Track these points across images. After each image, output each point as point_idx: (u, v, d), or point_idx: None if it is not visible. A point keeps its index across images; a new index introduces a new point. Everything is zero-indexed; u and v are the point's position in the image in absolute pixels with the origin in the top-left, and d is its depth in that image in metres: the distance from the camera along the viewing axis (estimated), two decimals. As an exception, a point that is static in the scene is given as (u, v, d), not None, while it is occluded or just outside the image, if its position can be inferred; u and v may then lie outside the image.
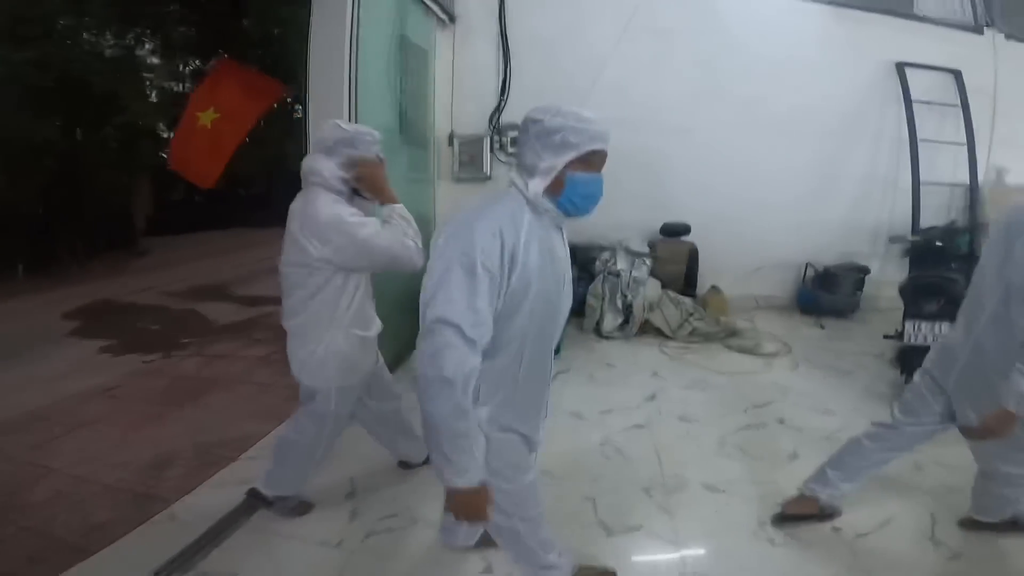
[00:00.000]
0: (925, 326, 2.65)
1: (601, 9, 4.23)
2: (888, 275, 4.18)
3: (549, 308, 1.16)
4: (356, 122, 2.65)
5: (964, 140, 4.26)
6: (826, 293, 4.33)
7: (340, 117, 2.63)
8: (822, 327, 4.17)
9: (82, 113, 8.00)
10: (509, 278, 1.05)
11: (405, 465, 2.24)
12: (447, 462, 1.05)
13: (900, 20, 4.37)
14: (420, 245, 1.64)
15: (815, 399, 2.97)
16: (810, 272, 4.49)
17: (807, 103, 4.30)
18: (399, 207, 1.71)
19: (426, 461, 2.13)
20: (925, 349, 2.71)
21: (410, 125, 3.61)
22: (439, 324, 1.00)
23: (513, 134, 4.20)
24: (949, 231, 3.46)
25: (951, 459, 2.13)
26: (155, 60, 10.11)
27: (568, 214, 1.15)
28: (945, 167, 4.42)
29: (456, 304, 1.00)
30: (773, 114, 4.31)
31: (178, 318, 5.12)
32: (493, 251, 1.02)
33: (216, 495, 2.10)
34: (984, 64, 4.37)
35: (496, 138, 4.29)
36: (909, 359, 2.73)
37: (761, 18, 4.24)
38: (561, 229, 1.21)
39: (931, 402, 1.69)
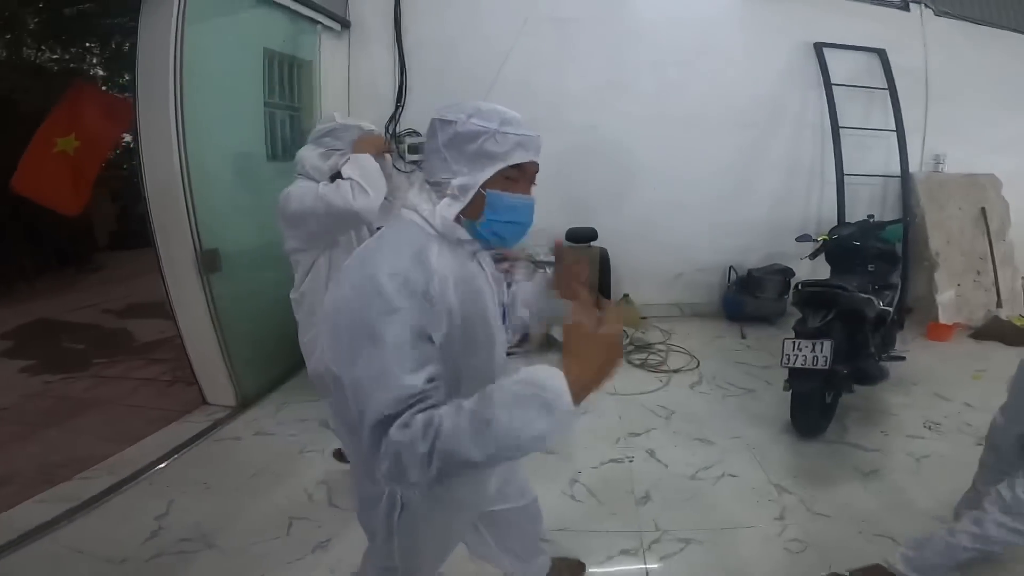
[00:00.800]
0: (805, 347, 2.30)
1: (499, 2, 3.91)
2: (819, 277, 3.81)
3: (480, 354, 0.93)
4: (184, 140, 2.48)
5: (893, 126, 3.92)
6: (750, 298, 3.99)
7: (167, 136, 2.45)
8: (743, 336, 3.82)
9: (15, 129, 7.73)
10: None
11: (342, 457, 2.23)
12: (542, 414, 0.69)
13: (819, -2, 4.03)
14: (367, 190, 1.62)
15: (699, 425, 2.64)
16: (733, 276, 4.15)
17: (721, 92, 3.97)
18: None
19: None
20: (812, 373, 2.41)
21: (286, 140, 3.36)
22: (379, 432, 0.73)
23: (413, 141, 3.87)
24: (865, 228, 3.12)
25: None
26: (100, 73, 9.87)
27: (490, 245, 0.93)
28: (878, 156, 4.09)
29: (388, 384, 0.74)
30: (684, 106, 3.98)
31: (105, 337, 4.89)
32: (406, 304, 0.77)
33: (32, 511, 2.03)
34: (912, 43, 4.02)
35: (394, 147, 3.97)
36: (796, 384, 2.38)
37: (669, 2, 3.92)
38: (480, 256, 0.97)
39: None
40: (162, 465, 2.35)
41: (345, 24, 3.88)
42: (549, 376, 0.71)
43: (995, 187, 4.03)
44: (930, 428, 2.54)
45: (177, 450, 2.45)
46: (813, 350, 2.26)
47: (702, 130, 4.00)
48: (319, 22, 3.59)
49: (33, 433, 2.77)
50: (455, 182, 0.85)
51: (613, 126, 3.98)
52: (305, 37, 3.55)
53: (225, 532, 1.91)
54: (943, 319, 3.75)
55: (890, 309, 2.88)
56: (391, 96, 3.97)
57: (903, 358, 2.98)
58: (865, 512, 1.94)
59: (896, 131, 3.90)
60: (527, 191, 0.92)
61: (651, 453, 2.42)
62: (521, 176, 0.89)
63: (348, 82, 3.98)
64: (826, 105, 3.93)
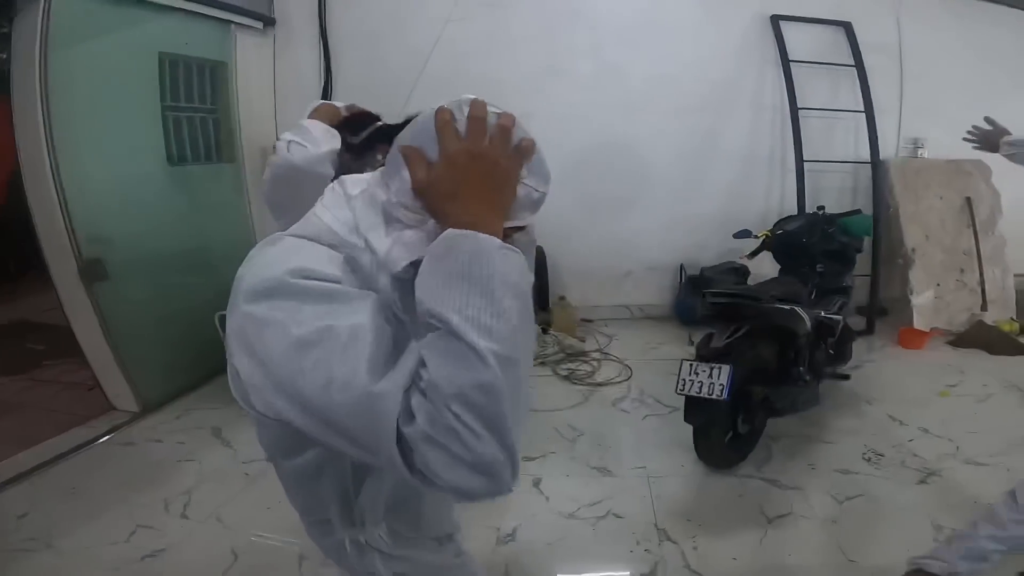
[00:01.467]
0: (702, 371, 1.91)
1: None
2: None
3: None
4: (54, 153, 2.37)
5: (862, 107, 3.49)
6: (701, 300, 3.61)
7: (39, 150, 2.36)
8: (691, 343, 3.45)
9: None
10: None
11: None
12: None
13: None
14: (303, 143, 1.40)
15: (604, 451, 2.31)
16: (684, 275, 3.78)
17: (668, 73, 3.59)
18: None
19: None
20: (708, 404, 1.89)
21: (195, 142, 3.20)
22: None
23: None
24: (814, 222, 2.73)
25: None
26: None
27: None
28: (847, 141, 3.67)
29: (358, 370, 0.52)
30: (626, 90, 3.62)
31: (60, 338, 4.86)
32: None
33: None
34: (884, 15, 3.58)
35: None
36: (689, 416, 1.98)
37: (609, -24, 3.57)
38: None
39: None
40: (47, 468, 2.32)
41: (269, 22, 3.63)
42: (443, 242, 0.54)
43: (983, 174, 3.57)
44: (869, 460, 2.16)
45: (65, 455, 2.41)
46: (710, 376, 1.89)
47: (648, 116, 3.64)
48: (232, 22, 3.36)
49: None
50: (431, 224, 0.61)
51: (549, 114, 3.62)
52: (215, 38, 3.31)
53: (69, 535, 1.90)
54: (918, 324, 3.32)
55: (838, 317, 2.50)
56: (317, 94, 3.72)
57: (847, 377, 2.59)
58: (752, 570, 1.60)
59: (864, 112, 3.47)
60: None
61: (536, 483, 2.10)
62: (510, 233, 0.67)
63: (273, 81, 3.73)
64: (785, 85, 3.52)
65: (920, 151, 3.62)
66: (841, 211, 2.83)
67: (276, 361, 0.54)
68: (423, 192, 0.58)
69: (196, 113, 3.23)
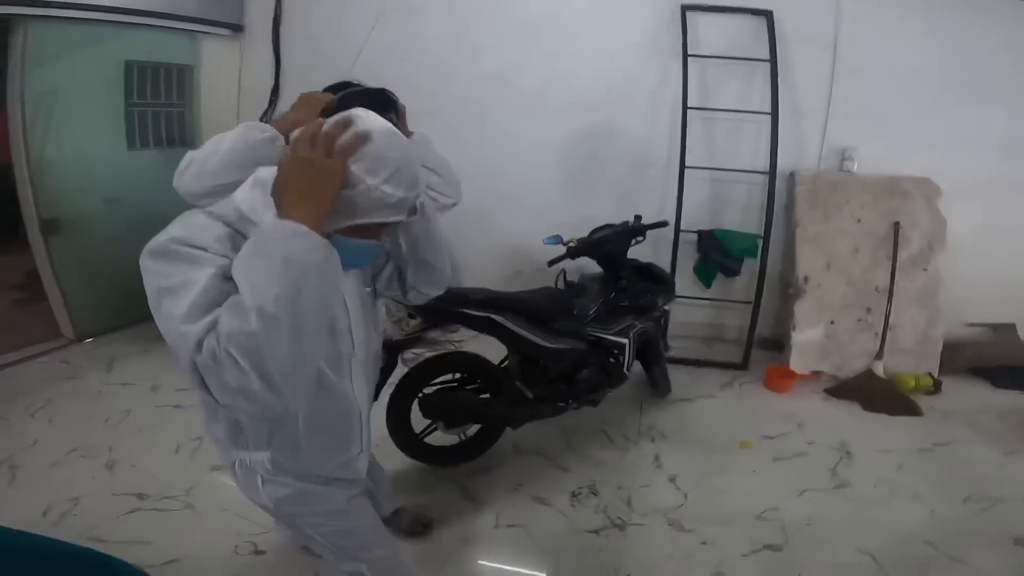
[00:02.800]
0: None
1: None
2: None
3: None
4: (26, 141, 3.15)
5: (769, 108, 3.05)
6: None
7: (18, 141, 3.16)
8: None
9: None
10: None
11: None
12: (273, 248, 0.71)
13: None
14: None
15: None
16: (565, 278, 3.68)
17: (563, 70, 3.49)
18: None
19: None
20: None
21: (158, 131, 3.94)
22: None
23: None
24: (619, 233, 2.57)
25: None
26: None
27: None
28: (762, 147, 3.23)
29: (178, 314, 0.72)
30: (522, 88, 3.60)
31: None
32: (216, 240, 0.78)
33: None
34: (818, 4, 3.03)
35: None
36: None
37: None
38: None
39: None
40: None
41: (238, 28, 4.28)
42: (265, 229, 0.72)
43: (928, 195, 2.91)
44: (576, 495, 2.10)
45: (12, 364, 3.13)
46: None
47: (542, 115, 3.59)
48: (197, 31, 4.05)
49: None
50: None
51: (449, 112, 3.77)
52: (183, 45, 4.01)
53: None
54: (794, 365, 2.91)
55: (614, 338, 2.38)
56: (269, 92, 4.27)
57: (594, 403, 2.40)
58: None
59: (771, 113, 3.03)
60: (378, 237, 0.86)
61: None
62: (378, 228, 0.84)
63: (239, 80, 4.39)
64: (683, 81, 3.20)
65: (848, 163, 3.05)
66: (652, 222, 2.61)
67: (151, 302, 0.75)
68: (273, 190, 0.76)
69: (161, 108, 3.94)
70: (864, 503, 2.06)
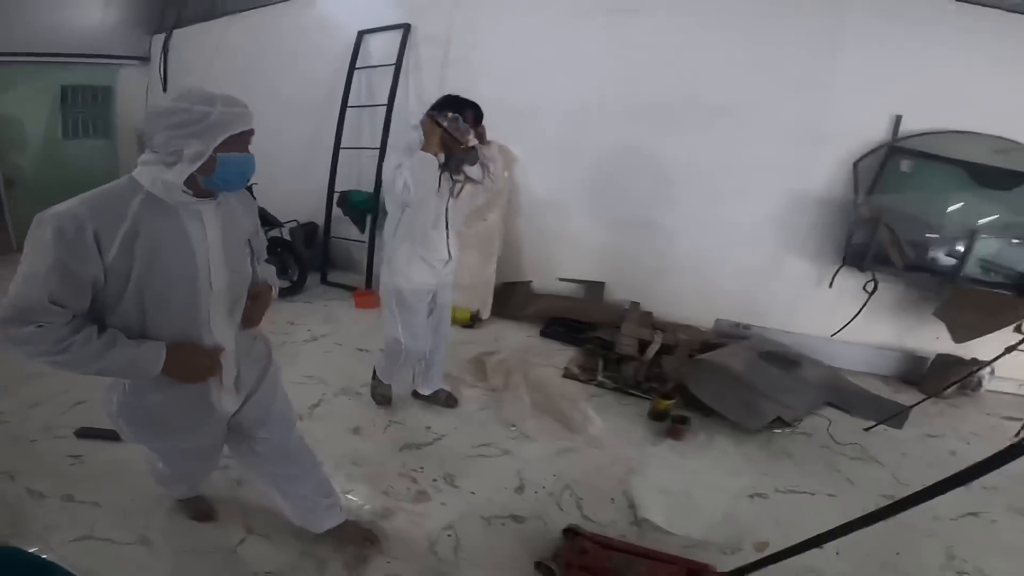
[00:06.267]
0: None
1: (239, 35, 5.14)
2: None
3: (175, 309, 1.14)
4: None
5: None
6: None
7: None
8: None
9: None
10: (102, 266, 1.03)
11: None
12: (130, 366, 1.10)
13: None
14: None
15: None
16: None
17: (295, 80, 4.56)
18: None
19: None
20: None
21: (86, 125, 5.59)
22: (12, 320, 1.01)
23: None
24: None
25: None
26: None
27: (223, 190, 1.17)
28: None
29: (31, 297, 1.00)
30: (263, 99, 4.45)
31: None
32: (72, 242, 0.99)
33: None
34: (444, 9, 3.75)
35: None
36: None
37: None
38: (201, 212, 1.15)
39: None
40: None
41: (144, 59, 5.97)
42: (153, 348, 1.11)
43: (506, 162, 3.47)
44: None
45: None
46: None
47: (277, 119, 4.45)
48: (114, 64, 5.74)
49: None
50: (188, 152, 1.05)
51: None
52: (106, 73, 5.70)
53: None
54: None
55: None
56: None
57: None
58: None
59: (386, 105, 3.89)
60: (246, 150, 1.14)
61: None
62: (240, 139, 1.12)
63: (146, 93, 6.03)
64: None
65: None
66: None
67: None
68: None
69: (88, 110, 5.59)
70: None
